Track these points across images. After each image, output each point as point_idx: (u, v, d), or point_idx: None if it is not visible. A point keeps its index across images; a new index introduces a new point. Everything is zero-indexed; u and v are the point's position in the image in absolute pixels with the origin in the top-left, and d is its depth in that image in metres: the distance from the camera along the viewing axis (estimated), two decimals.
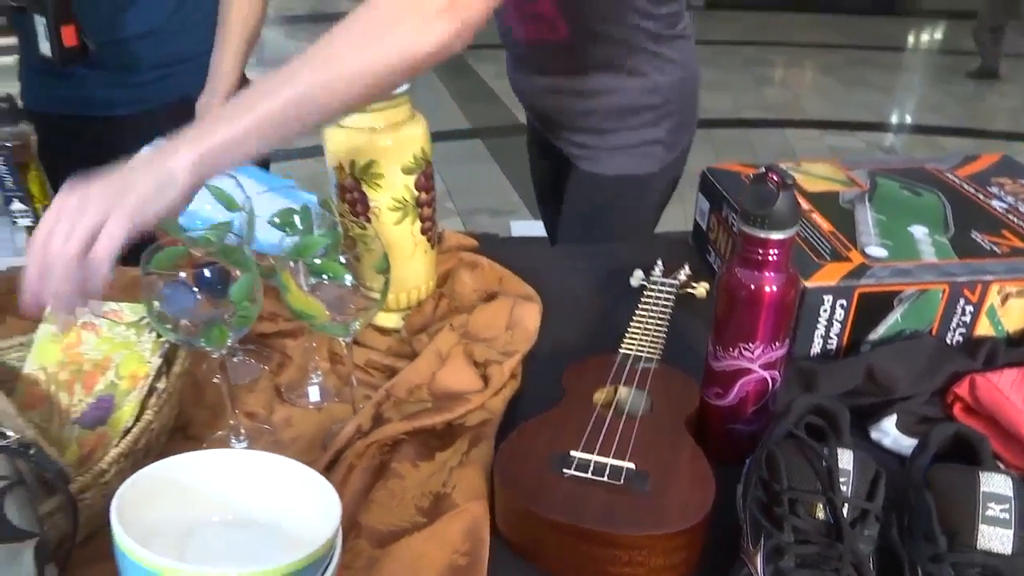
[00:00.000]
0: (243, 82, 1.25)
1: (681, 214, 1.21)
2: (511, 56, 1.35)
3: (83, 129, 1.26)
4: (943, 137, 5.26)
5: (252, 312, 0.71)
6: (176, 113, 1.24)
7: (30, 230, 0.89)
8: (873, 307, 0.88)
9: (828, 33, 8.30)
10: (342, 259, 0.71)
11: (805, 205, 1.02)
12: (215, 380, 0.92)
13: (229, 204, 0.85)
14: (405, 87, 0.88)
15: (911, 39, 8.42)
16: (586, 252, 1.19)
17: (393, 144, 0.87)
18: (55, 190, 0.95)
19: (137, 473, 0.58)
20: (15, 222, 0.87)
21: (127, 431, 0.73)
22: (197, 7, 1.29)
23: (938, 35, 9.00)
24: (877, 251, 0.91)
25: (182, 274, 0.70)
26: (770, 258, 0.68)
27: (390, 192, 0.88)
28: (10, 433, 0.65)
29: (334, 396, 0.88)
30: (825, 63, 7.27)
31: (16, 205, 0.85)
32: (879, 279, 0.86)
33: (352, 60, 0.68)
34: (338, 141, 0.87)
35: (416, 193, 0.90)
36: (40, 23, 1.06)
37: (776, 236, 0.66)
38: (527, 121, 1.49)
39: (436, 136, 0.95)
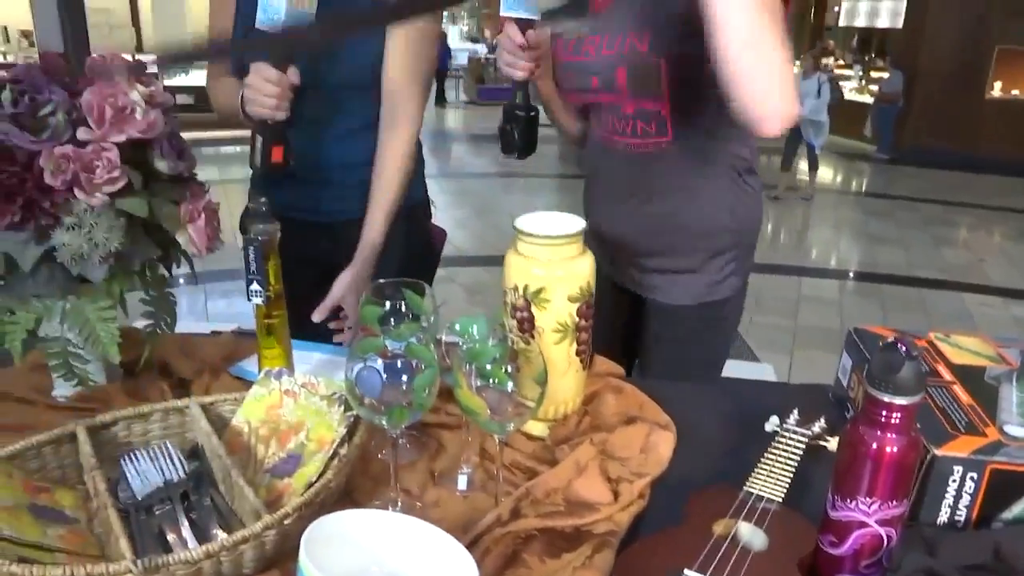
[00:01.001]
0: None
1: (830, 367, 1.26)
2: (595, 184, 1.44)
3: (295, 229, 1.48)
4: None
5: (427, 402, 0.85)
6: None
7: (259, 308, 1.08)
8: (1007, 485, 0.89)
9: (1021, 198, 7.92)
10: (508, 368, 0.84)
11: (948, 376, 1.05)
12: (380, 455, 1.06)
13: (419, 309, 1.01)
14: (583, 225, 1.02)
15: None
16: (725, 391, 1.26)
17: (563, 275, 1.00)
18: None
19: (319, 519, 0.71)
20: (251, 299, 1.07)
21: (310, 485, 0.87)
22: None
23: None
24: (1017, 430, 0.93)
25: (377, 361, 0.85)
26: (892, 421, 0.73)
27: (555, 316, 1.01)
28: None
29: (480, 488, 0.99)
30: (1016, 229, 6.92)
31: (255, 286, 1.06)
32: (1013, 457, 0.88)
33: None
34: (516, 266, 1.02)
35: (577, 319, 1.02)
36: (258, 140, 1.32)
37: (899, 401, 0.72)
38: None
39: None
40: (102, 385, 1.16)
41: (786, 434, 1.04)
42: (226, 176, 8.38)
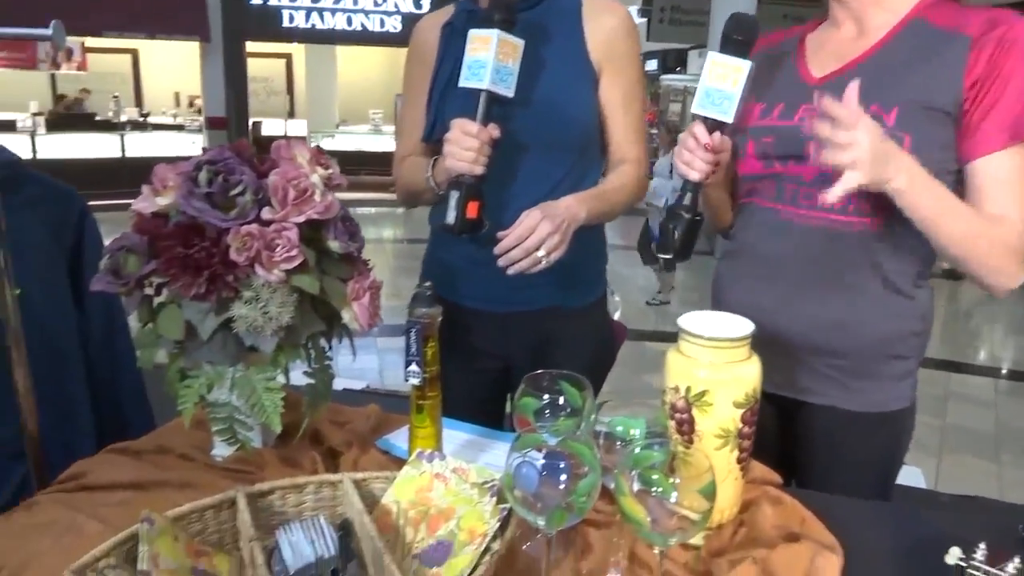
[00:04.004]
0: None
1: (982, 475, 1.14)
2: (753, 269, 1.31)
3: (464, 318, 1.47)
4: None
5: (588, 506, 0.82)
6: (547, 316, 1.45)
7: (416, 388, 1.09)
8: None
9: None
10: (674, 479, 0.80)
11: None
12: (524, 548, 1.03)
13: (576, 403, 0.99)
14: (751, 328, 0.98)
15: None
16: (897, 512, 1.17)
17: (729, 379, 0.96)
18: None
19: None
20: (407, 380, 1.08)
21: None
22: None
23: None
24: None
25: (536, 457, 0.83)
26: None
27: (718, 421, 0.97)
28: None
29: None
30: None
31: (413, 367, 1.07)
32: None
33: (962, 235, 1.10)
34: (679, 366, 0.98)
35: (740, 426, 0.97)
36: (453, 196, 1.30)
37: None
38: None
39: None
40: (258, 449, 1.20)
41: (976, 573, 0.94)
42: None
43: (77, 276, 1.40)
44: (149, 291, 1.10)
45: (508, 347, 1.47)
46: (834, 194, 1.02)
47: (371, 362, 4.47)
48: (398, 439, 1.25)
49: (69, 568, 0.76)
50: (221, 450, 1.21)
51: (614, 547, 1.00)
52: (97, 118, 11.87)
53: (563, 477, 0.83)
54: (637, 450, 0.85)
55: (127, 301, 1.09)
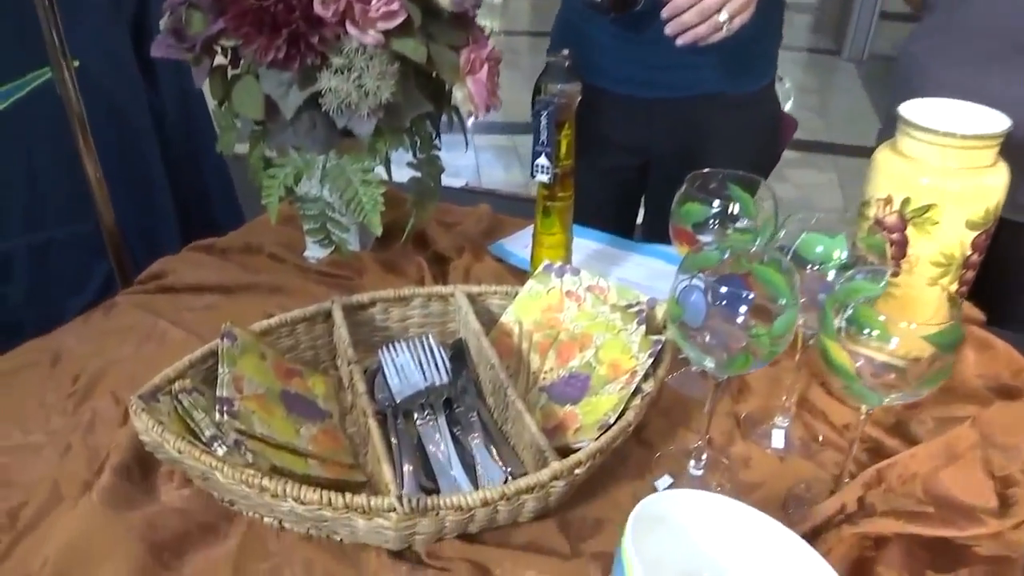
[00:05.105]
0: None
1: None
2: (994, 53, 1.02)
3: (599, 103, 1.19)
4: None
5: (778, 350, 0.63)
6: (704, 104, 1.19)
7: (544, 186, 0.89)
8: None
9: None
10: (908, 323, 0.60)
11: None
12: (666, 379, 0.86)
13: (749, 213, 0.77)
14: (1008, 124, 0.72)
15: None
16: None
17: (964, 191, 0.72)
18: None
19: (647, 500, 0.53)
20: (535, 175, 0.88)
21: (606, 427, 0.69)
22: None
23: None
24: None
25: (700, 279, 0.64)
26: None
27: (940, 245, 0.74)
28: None
29: (800, 449, 0.77)
30: None
31: (541, 160, 0.86)
32: None
33: None
34: (894, 170, 0.75)
35: (969, 252, 0.74)
36: None
37: None
38: None
39: None
40: (356, 252, 1.05)
41: None
42: None
43: (143, 45, 1.20)
44: (221, 60, 0.90)
45: (651, 140, 1.23)
46: None
47: (468, 159, 4.26)
48: (515, 245, 1.08)
49: (136, 393, 0.63)
50: (314, 251, 1.06)
51: (778, 388, 0.82)
52: None
53: (742, 309, 0.63)
54: (843, 280, 0.64)
55: (196, 72, 0.90)
